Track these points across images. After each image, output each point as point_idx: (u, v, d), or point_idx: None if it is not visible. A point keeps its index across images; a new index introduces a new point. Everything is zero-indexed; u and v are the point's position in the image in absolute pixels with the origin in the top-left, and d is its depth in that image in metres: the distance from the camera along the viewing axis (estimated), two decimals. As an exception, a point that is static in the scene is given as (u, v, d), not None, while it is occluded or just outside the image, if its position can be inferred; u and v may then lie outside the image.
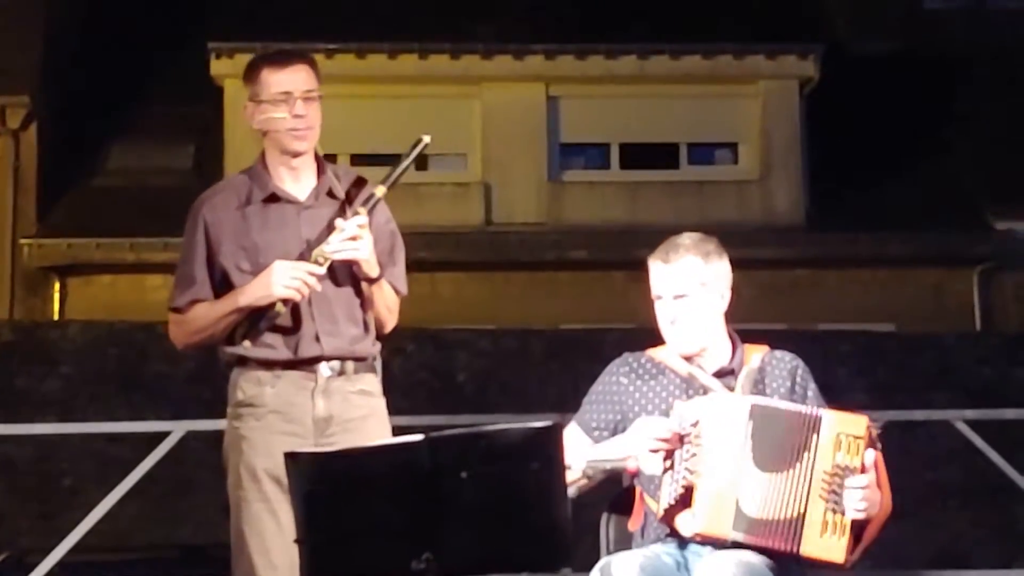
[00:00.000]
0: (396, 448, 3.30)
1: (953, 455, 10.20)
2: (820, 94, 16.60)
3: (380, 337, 4.12)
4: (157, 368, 11.49)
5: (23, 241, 15.64)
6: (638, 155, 16.67)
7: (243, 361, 3.98)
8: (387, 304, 4.07)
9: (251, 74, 4.06)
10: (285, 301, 3.87)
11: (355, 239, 3.88)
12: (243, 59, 17.23)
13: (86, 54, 16.66)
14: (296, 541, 3.26)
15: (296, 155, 4.03)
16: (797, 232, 16.16)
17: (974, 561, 10.20)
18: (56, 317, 15.29)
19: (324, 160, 4.10)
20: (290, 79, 3.98)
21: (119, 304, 14.86)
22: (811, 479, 3.60)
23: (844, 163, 16.29)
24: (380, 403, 4.07)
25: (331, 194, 4.04)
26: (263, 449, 3.90)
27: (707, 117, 16.58)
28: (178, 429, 7.59)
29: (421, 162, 17.47)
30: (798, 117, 16.56)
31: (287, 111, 3.97)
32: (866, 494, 3.58)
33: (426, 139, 4.05)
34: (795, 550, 3.59)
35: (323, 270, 3.88)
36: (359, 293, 4.01)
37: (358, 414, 3.97)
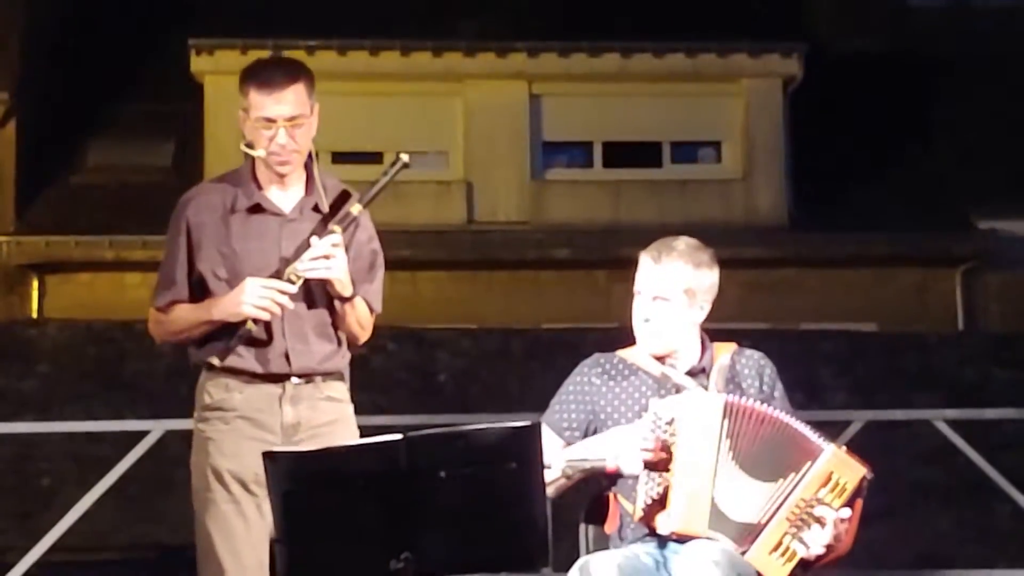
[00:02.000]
0: (375, 447, 3.28)
1: (935, 455, 10.21)
2: (803, 93, 16.62)
3: (352, 348, 4.12)
4: (136, 367, 11.45)
5: (1, 238, 15.58)
6: (621, 154, 16.67)
7: (211, 366, 3.96)
8: (359, 320, 4.04)
9: (242, 86, 3.94)
10: (256, 319, 3.86)
11: (327, 258, 3.86)
12: (224, 56, 17.35)
13: (65, 51, 16.60)
14: (274, 540, 3.25)
15: (280, 175, 3.99)
16: (780, 231, 16.18)
17: (956, 561, 10.20)
18: (34, 315, 15.24)
19: (314, 171, 4.04)
20: (275, 106, 3.88)
21: (98, 302, 14.81)
22: (786, 499, 3.63)
23: (827, 162, 16.31)
24: (348, 408, 4.07)
25: (316, 209, 4.00)
26: (230, 452, 3.90)
27: (690, 116, 16.59)
28: (157, 428, 7.58)
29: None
30: (781, 116, 16.58)
31: (268, 140, 3.90)
32: (828, 537, 3.59)
33: (404, 158, 4.01)
34: (742, 552, 3.61)
35: (295, 289, 3.87)
36: (332, 310, 3.99)
37: (325, 419, 3.97)
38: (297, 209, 3.99)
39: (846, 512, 3.61)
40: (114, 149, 16.22)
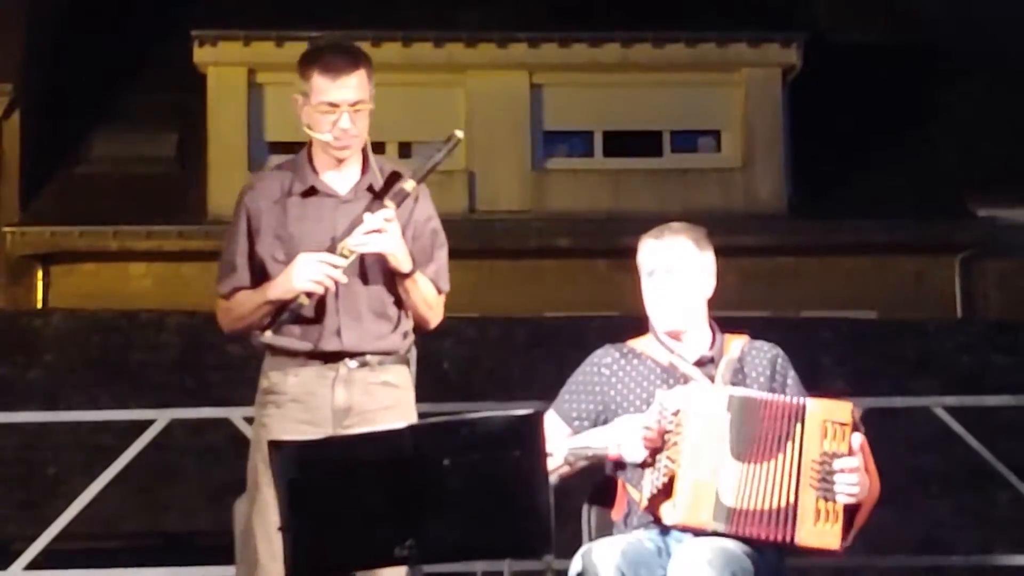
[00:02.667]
0: (379, 436, 3.33)
1: (934, 442, 10.23)
2: (803, 82, 16.64)
3: (422, 332, 4.10)
4: (140, 356, 11.48)
5: (6, 229, 15.61)
6: (621, 143, 16.70)
7: (272, 350, 3.98)
8: (425, 300, 4.02)
9: (303, 69, 3.94)
10: (309, 294, 3.85)
11: (379, 232, 3.85)
12: (227, 47, 17.37)
13: (69, 42, 16.62)
14: (280, 529, 3.28)
15: (339, 159, 4.01)
16: (780, 220, 16.21)
17: (955, 547, 10.24)
18: (39, 305, 15.27)
19: (370, 153, 4.05)
20: (339, 92, 3.89)
21: (102, 292, 14.85)
22: (799, 468, 3.62)
23: (826, 151, 16.33)
24: (405, 395, 4.03)
25: (371, 189, 4.00)
26: (278, 435, 3.82)
27: (690, 105, 16.61)
28: (162, 417, 7.61)
29: (404, 150, 17.33)
30: (781, 105, 16.60)
31: (331, 124, 3.91)
32: (856, 478, 3.61)
33: (459, 134, 4.00)
34: (789, 539, 3.61)
35: (346, 263, 3.85)
36: (391, 289, 3.98)
37: (378, 405, 3.94)
38: (353, 191, 4.00)
39: (856, 439, 3.63)
40: (118, 140, 16.24)
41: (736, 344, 3.96)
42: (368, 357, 3.96)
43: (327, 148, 3.97)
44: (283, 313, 3.90)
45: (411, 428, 3.19)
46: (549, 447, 3.38)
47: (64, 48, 16.56)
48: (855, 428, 3.66)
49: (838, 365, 11.61)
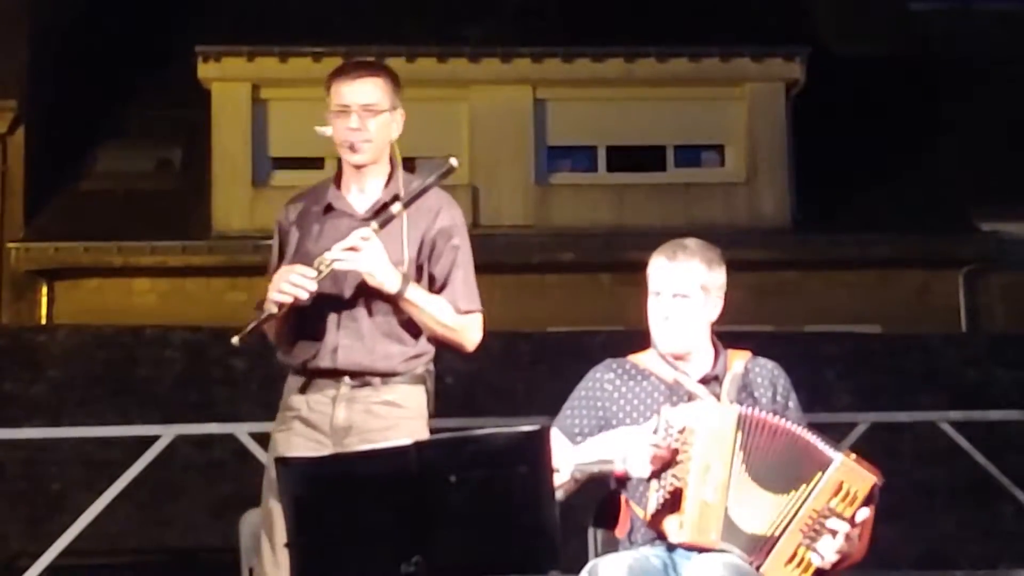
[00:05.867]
0: (385, 452, 3.33)
1: (939, 456, 10.24)
2: (806, 96, 16.64)
3: (458, 352, 4.14)
4: (145, 372, 11.48)
5: (10, 245, 15.62)
6: (625, 158, 16.70)
7: (289, 368, 4.04)
8: (438, 321, 4.00)
9: (328, 83, 4.04)
10: (280, 305, 3.86)
11: (354, 250, 3.86)
12: (230, 63, 17.40)
13: (73, 57, 16.64)
14: (286, 545, 3.27)
15: (357, 166, 4.03)
16: (783, 234, 16.20)
17: (960, 561, 10.24)
18: (43, 321, 15.27)
19: (398, 170, 4.06)
20: (350, 92, 3.96)
21: (106, 308, 14.86)
22: (799, 511, 3.63)
23: (830, 165, 16.33)
24: (409, 415, 4.01)
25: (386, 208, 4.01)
26: (284, 451, 3.89)
27: (694, 119, 16.62)
28: (167, 433, 7.62)
29: (408, 165, 17.40)
30: (784, 119, 16.60)
31: (343, 124, 3.96)
32: (842, 545, 3.60)
33: (453, 162, 4.01)
34: (756, 565, 3.62)
35: (319, 276, 3.85)
36: (399, 309, 3.97)
37: (379, 425, 3.94)
38: (371, 210, 4.01)
39: (862, 514, 3.61)
40: (122, 155, 16.27)
41: (739, 362, 3.95)
42: (369, 377, 3.96)
43: (345, 157, 4.00)
44: (303, 333, 3.95)
45: (417, 445, 3.18)
46: (555, 463, 3.38)
47: (68, 64, 16.58)
48: (868, 501, 3.63)
49: (842, 380, 11.61)
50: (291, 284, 3.83)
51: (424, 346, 4.06)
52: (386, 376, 3.98)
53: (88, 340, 11.76)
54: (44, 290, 15.62)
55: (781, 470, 3.66)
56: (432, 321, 4.00)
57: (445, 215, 4.07)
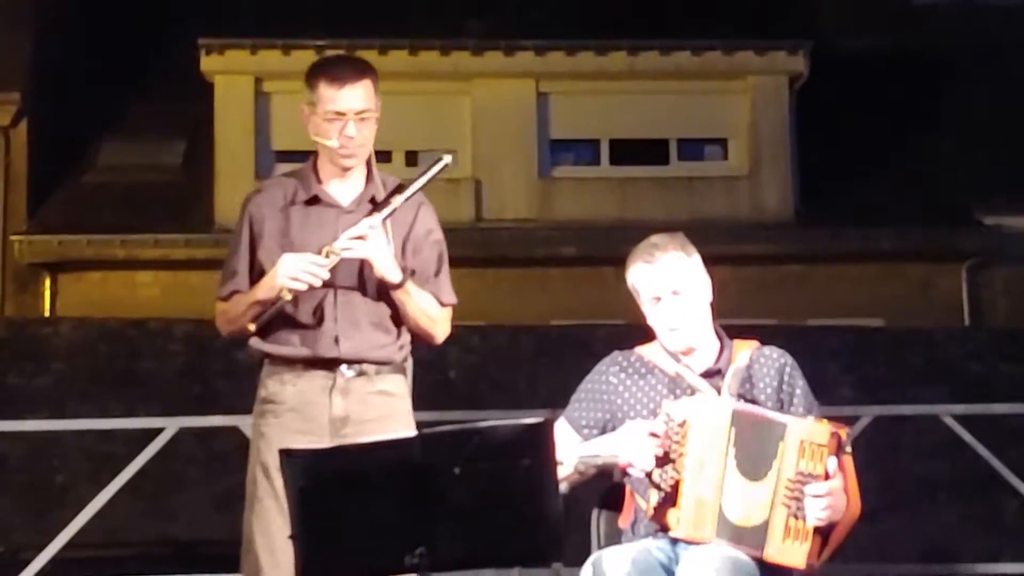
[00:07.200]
0: (389, 445, 3.35)
1: (941, 450, 10.23)
2: (809, 90, 16.65)
3: (428, 345, 4.14)
4: (148, 365, 11.51)
5: (14, 238, 15.64)
6: (628, 151, 16.70)
7: (271, 358, 4.03)
8: (424, 313, 4.05)
9: (310, 80, 4.02)
10: (293, 292, 3.89)
11: (362, 238, 3.90)
12: (233, 55, 17.39)
13: (76, 50, 16.64)
14: (290, 537, 3.29)
15: (344, 168, 4.06)
16: (786, 228, 16.21)
17: (963, 555, 10.24)
18: (47, 314, 15.30)
19: (374, 166, 4.12)
20: (345, 99, 3.97)
21: (110, 301, 14.88)
22: (776, 486, 3.64)
23: (833, 159, 16.33)
24: (402, 404, 4.06)
25: (373, 201, 4.06)
26: (277, 446, 3.84)
27: (697, 113, 16.61)
28: (171, 425, 7.61)
29: (411, 158, 17.31)
30: (787, 113, 16.60)
31: (338, 132, 3.97)
32: (827, 501, 3.60)
33: (447, 159, 4.07)
34: (759, 555, 3.63)
35: (328, 264, 3.89)
36: (390, 300, 4.02)
37: (375, 415, 3.97)
38: (355, 202, 4.05)
39: (832, 463, 3.61)
40: (125, 148, 16.28)
41: (744, 353, 3.94)
42: (365, 366, 3.99)
43: (333, 157, 4.02)
44: (279, 323, 3.95)
45: (421, 437, 3.20)
46: (559, 455, 3.39)
47: (71, 57, 16.58)
48: (835, 450, 3.63)
49: (845, 373, 11.62)
50: (306, 272, 3.87)
51: (406, 336, 4.11)
52: (380, 365, 4.01)
53: (91, 333, 11.79)
54: (47, 283, 15.65)
55: (758, 458, 3.67)
56: (419, 312, 4.05)
57: (424, 213, 4.13)
